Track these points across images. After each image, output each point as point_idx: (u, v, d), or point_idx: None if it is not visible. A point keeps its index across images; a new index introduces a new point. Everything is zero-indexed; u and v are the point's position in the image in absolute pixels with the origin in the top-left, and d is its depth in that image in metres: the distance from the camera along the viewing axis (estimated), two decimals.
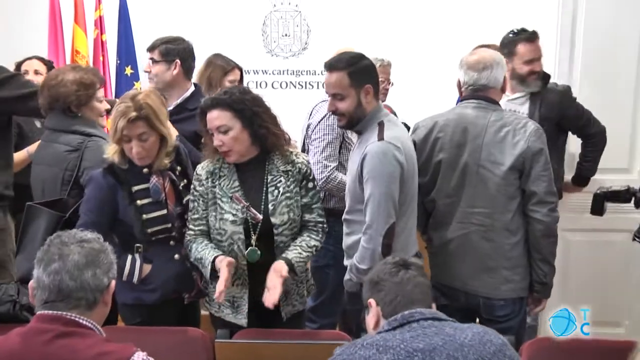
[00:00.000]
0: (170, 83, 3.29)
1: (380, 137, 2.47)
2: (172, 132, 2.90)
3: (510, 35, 3.37)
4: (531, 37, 3.34)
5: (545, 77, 3.40)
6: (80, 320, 1.72)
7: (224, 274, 2.35)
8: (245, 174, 2.56)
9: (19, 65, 3.79)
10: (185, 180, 2.68)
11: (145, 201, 2.56)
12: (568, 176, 3.67)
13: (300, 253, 2.51)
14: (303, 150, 3.34)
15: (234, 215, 2.50)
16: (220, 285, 2.33)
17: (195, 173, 2.59)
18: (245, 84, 3.95)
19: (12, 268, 3.02)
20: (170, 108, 3.27)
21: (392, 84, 3.83)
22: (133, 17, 4.63)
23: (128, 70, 4.59)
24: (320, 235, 2.63)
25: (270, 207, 2.52)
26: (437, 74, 4.18)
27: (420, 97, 4.16)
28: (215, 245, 2.53)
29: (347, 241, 2.67)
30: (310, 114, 3.39)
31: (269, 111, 2.56)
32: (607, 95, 3.69)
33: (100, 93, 2.93)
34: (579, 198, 3.65)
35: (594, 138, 3.56)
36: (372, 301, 1.88)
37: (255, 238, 2.50)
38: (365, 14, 4.48)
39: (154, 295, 2.58)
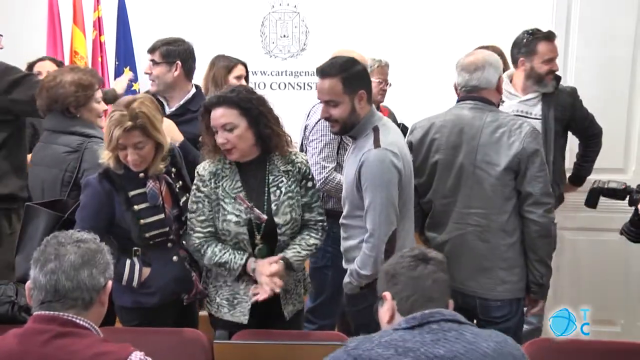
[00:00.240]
0: (171, 85, 3.28)
1: (377, 144, 2.46)
2: (177, 135, 2.91)
3: (527, 35, 3.38)
4: (550, 36, 3.36)
5: (557, 78, 3.41)
6: (77, 321, 1.72)
7: (272, 268, 2.45)
8: (246, 175, 2.56)
9: (31, 66, 3.79)
10: (180, 182, 2.68)
11: (143, 206, 2.54)
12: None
13: (299, 252, 2.56)
14: (301, 151, 3.33)
15: (237, 216, 2.50)
16: (277, 283, 2.44)
17: (197, 174, 2.57)
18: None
19: None
20: (173, 109, 3.27)
21: (390, 85, 3.83)
22: (132, 18, 4.62)
23: (127, 71, 4.58)
24: (320, 234, 2.65)
25: (273, 207, 2.53)
26: (435, 75, 4.17)
27: (418, 98, 4.16)
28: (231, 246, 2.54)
29: (344, 245, 2.67)
30: (308, 115, 3.39)
31: (272, 112, 2.56)
32: (602, 95, 3.71)
33: (99, 94, 2.92)
34: (575, 197, 3.67)
35: (596, 139, 3.59)
36: (387, 294, 1.82)
37: (260, 238, 2.52)
38: (363, 15, 4.48)
39: (153, 298, 2.57)
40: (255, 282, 2.51)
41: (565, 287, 3.79)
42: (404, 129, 3.52)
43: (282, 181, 2.56)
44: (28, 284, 1.78)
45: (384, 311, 1.82)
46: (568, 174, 3.68)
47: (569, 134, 3.57)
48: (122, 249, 2.56)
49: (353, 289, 2.60)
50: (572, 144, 3.66)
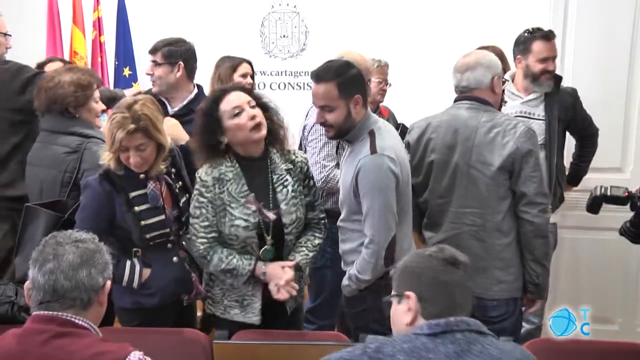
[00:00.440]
0: (173, 85, 3.28)
1: (373, 149, 2.44)
2: (182, 135, 2.90)
3: (526, 33, 3.39)
4: (548, 35, 3.36)
5: (558, 78, 3.41)
6: (76, 321, 1.72)
7: (288, 275, 2.50)
8: (250, 175, 2.55)
9: (41, 67, 3.78)
10: (180, 182, 2.67)
11: (143, 207, 2.53)
12: None
13: (307, 254, 2.62)
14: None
15: (245, 220, 2.49)
16: (295, 287, 2.51)
17: (199, 179, 2.54)
18: None
19: None
20: (175, 110, 3.27)
21: (390, 85, 3.83)
22: (131, 18, 4.62)
23: (126, 71, 4.58)
24: (322, 233, 2.70)
25: (283, 206, 2.54)
26: (435, 75, 4.17)
27: (418, 98, 4.16)
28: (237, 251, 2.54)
29: (342, 247, 2.67)
30: (307, 115, 3.39)
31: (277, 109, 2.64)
32: (600, 95, 3.72)
33: (97, 94, 2.92)
34: (571, 196, 3.69)
35: (593, 139, 3.60)
36: (412, 295, 1.69)
37: (270, 238, 2.53)
38: (363, 15, 4.48)
39: (153, 299, 2.57)
40: (263, 284, 2.54)
41: (563, 286, 3.80)
42: (403, 129, 3.52)
43: (287, 180, 2.57)
44: (27, 284, 1.77)
45: (404, 311, 1.70)
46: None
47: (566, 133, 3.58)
48: (122, 250, 2.55)
49: (352, 291, 2.60)
50: (569, 143, 3.66)
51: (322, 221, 2.70)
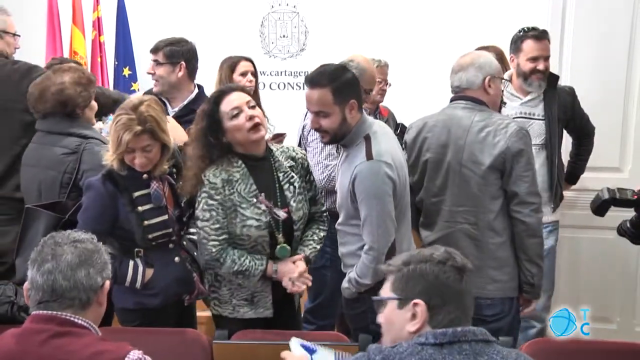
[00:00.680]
0: (174, 85, 3.28)
1: (369, 155, 2.43)
2: (182, 136, 2.90)
3: (520, 32, 3.40)
4: (538, 35, 3.36)
5: (554, 77, 3.41)
6: (76, 320, 1.71)
7: (301, 267, 2.56)
8: (256, 174, 2.56)
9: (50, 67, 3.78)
10: (180, 183, 2.67)
11: (147, 207, 2.53)
12: None
13: (315, 247, 2.68)
14: None
15: (257, 220, 2.51)
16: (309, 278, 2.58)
17: (207, 182, 2.51)
18: None
19: None
20: (176, 110, 3.27)
21: (390, 85, 3.83)
22: (131, 18, 4.62)
23: (126, 72, 4.58)
24: (325, 225, 2.76)
25: (292, 203, 2.57)
26: (434, 75, 4.16)
27: (418, 98, 4.16)
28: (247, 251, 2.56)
29: (341, 250, 2.68)
30: (306, 115, 3.38)
31: None
32: (598, 94, 3.72)
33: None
34: (569, 195, 3.70)
35: (590, 137, 3.61)
36: (422, 304, 1.62)
37: (281, 236, 2.55)
38: (363, 15, 4.48)
39: (156, 299, 2.56)
40: (274, 282, 2.57)
41: (561, 285, 3.80)
42: (403, 128, 3.52)
43: (293, 177, 2.61)
44: (26, 284, 1.77)
45: (407, 318, 1.63)
46: None
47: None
48: (124, 250, 2.55)
49: (352, 294, 2.60)
50: (565, 142, 3.66)
51: (324, 214, 2.76)
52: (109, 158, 2.49)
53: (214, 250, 2.51)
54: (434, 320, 1.61)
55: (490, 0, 4.34)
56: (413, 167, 2.80)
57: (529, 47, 3.34)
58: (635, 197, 2.62)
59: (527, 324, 3.45)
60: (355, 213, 2.50)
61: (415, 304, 1.62)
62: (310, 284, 2.60)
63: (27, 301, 1.77)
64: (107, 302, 1.85)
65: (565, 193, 3.67)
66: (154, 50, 3.28)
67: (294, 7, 4.63)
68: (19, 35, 3.34)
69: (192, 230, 2.73)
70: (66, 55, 4.52)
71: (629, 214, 2.72)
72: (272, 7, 4.64)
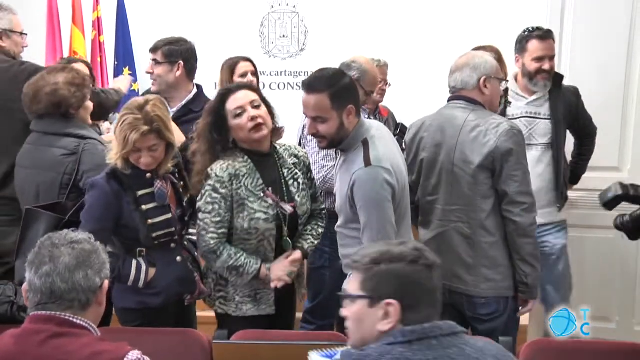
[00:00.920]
0: (173, 84, 3.28)
1: (367, 162, 2.41)
2: (179, 136, 2.91)
3: (525, 32, 3.40)
4: (543, 35, 3.36)
5: (559, 77, 3.42)
6: (75, 320, 1.71)
7: (299, 256, 2.64)
8: (262, 170, 2.59)
9: None
10: (182, 182, 2.68)
11: (150, 206, 2.53)
12: None
13: (313, 242, 2.74)
14: None
15: (265, 213, 2.54)
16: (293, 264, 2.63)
17: (214, 175, 2.53)
18: None
19: None
20: (174, 110, 3.27)
21: (390, 85, 3.83)
22: (131, 18, 4.63)
23: (126, 71, 4.58)
24: (324, 222, 2.81)
25: (297, 199, 2.62)
26: (434, 75, 4.16)
27: (418, 98, 4.16)
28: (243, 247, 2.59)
29: (342, 252, 2.66)
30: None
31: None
32: (597, 94, 3.71)
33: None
34: (570, 195, 3.67)
35: (592, 138, 3.61)
36: (395, 303, 1.58)
37: (287, 230, 2.60)
38: (362, 15, 4.48)
39: (158, 299, 2.56)
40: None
41: None
42: (403, 129, 3.53)
43: (297, 173, 2.66)
44: (24, 286, 1.77)
45: (378, 318, 1.60)
46: None
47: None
48: (126, 249, 2.56)
49: None
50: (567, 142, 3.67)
51: (323, 211, 2.82)
52: (112, 157, 2.49)
53: (211, 242, 2.53)
54: (407, 319, 1.58)
55: (490, 0, 4.35)
56: (411, 166, 2.82)
57: (534, 47, 3.34)
58: None
59: None
60: (354, 218, 2.49)
61: (389, 304, 1.58)
62: (295, 269, 2.65)
63: (26, 303, 1.77)
64: (106, 301, 1.85)
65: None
66: (153, 50, 3.28)
67: (294, 7, 4.63)
68: (27, 34, 3.34)
69: (191, 230, 2.74)
70: (66, 55, 4.53)
71: (629, 210, 2.73)
72: (272, 7, 4.64)
